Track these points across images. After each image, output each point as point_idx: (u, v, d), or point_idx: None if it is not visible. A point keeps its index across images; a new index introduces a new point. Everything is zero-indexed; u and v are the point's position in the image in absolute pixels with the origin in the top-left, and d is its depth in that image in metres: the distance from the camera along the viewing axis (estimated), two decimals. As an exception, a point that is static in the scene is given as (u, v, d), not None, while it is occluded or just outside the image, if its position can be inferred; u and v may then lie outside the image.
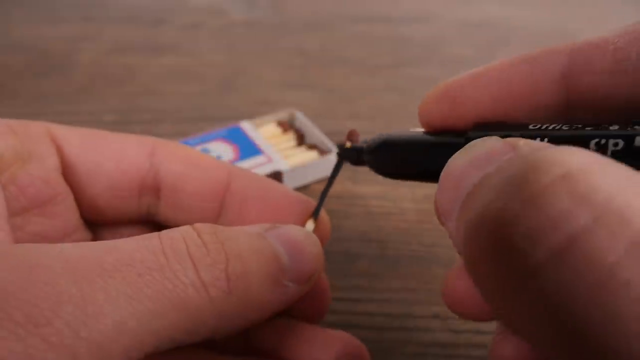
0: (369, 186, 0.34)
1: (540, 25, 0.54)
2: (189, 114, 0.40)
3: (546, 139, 0.15)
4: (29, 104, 0.42)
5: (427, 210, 0.32)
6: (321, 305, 0.21)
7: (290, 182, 0.33)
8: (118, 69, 0.46)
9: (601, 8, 0.57)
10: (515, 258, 0.11)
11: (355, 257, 0.29)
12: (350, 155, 0.21)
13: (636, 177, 0.11)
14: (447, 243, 0.30)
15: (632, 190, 0.11)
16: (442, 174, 0.15)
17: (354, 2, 0.57)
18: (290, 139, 0.36)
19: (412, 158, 0.18)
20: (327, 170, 0.32)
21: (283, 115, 0.37)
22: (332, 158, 0.34)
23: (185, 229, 0.16)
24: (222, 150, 0.34)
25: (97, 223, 0.22)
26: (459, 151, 0.15)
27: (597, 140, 0.14)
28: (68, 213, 0.20)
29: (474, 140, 0.15)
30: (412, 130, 0.19)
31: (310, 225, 0.21)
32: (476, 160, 0.14)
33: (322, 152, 0.35)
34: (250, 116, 0.37)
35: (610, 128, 0.14)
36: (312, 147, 0.35)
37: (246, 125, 0.36)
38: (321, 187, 0.22)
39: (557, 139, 0.14)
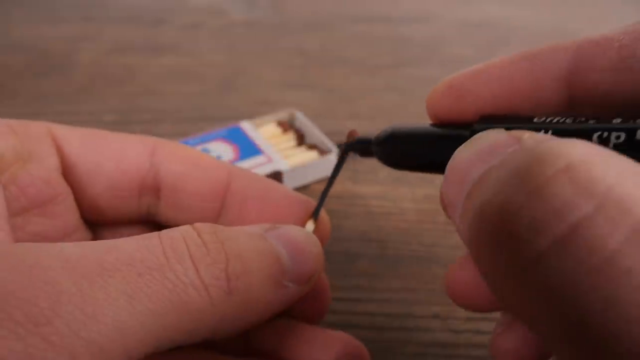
0: (369, 186, 0.34)
1: (540, 25, 0.54)
2: (189, 114, 0.40)
3: (550, 132, 0.15)
4: (29, 104, 0.42)
5: (427, 210, 0.32)
6: (321, 306, 0.21)
7: (290, 182, 0.33)
8: (118, 69, 0.46)
9: (601, 8, 0.57)
10: (520, 247, 0.11)
11: (355, 257, 0.29)
12: (358, 146, 0.21)
13: (637, 168, 0.11)
14: (447, 243, 0.30)
15: (632, 181, 0.11)
16: (448, 166, 0.15)
17: (354, 2, 0.57)
18: (290, 139, 0.36)
19: (419, 149, 0.19)
20: (327, 170, 0.32)
21: (283, 115, 0.37)
22: (332, 158, 0.34)
23: (185, 228, 0.16)
24: (222, 150, 0.34)
25: (97, 223, 0.22)
26: (464, 143, 0.15)
27: (599, 133, 0.14)
28: (68, 213, 0.20)
29: (480, 133, 0.15)
30: (420, 123, 0.20)
31: (310, 225, 0.21)
32: (481, 152, 0.14)
33: (322, 152, 0.35)
34: (250, 116, 0.37)
35: (613, 121, 0.14)
36: (312, 147, 0.35)
37: (246, 125, 0.36)
38: (321, 187, 0.22)
39: (561, 132, 0.15)
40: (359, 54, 0.49)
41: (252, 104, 0.41)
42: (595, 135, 0.14)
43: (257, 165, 0.33)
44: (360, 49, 0.50)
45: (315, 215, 0.21)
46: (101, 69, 0.46)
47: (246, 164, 0.33)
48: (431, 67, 0.47)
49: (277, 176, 0.32)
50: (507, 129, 0.14)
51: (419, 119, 0.20)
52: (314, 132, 0.36)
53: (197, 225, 0.17)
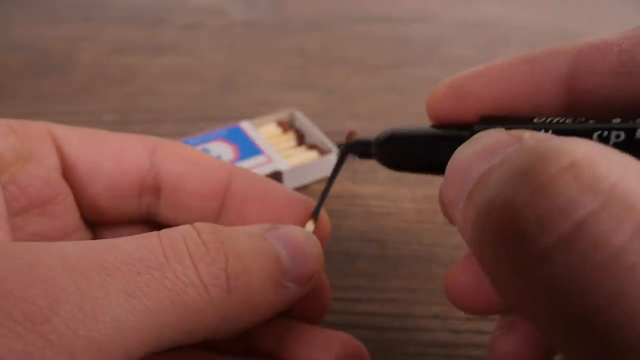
0: (368, 186, 0.34)
1: (540, 25, 0.54)
2: (189, 114, 0.40)
3: (550, 132, 0.15)
4: (29, 104, 0.42)
5: (427, 210, 0.32)
6: (321, 306, 0.21)
7: (290, 182, 0.33)
8: (118, 69, 0.46)
9: (601, 8, 0.57)
10: (525, 244, 0.12)
11: (355, 257, 0.29)
12: (357, 148, 0.21)
13: (638, 165, 0.11)
14: (447, 243, 0.30)
15: (635, 178, 0.11)
16: (448, 166, 0.15)
17: (354, 2, 0.57)
18: (290, 139, 0.36)
19: (418, 151, 0.19)
20: (327, 170, 0.32)
21: (283, 115, 0.37)
22: (332, 158, 0.34)
23: (185, 228, 0.16)
24: (222, 150, 0.34)
25: (97, 223, 0.22)
26: (464, 143, 0.15)
27: (599, 132, 0.14)
28: (68, 213, 0.20)
29: (480, 132, 0.15)
30: (420, 124, 0.20)
31: (310, 225, 0.21)
32: (482, 151, 0.14)
33: (322, 152, 0.35)
34: (250, 116, 0.37)
35: (613, 121, 0.14)
36: (312, 147, 0.35)
37: (246, 125, 0.36)
38: (321, 187, 0.22)
39: (561, 132, 0.15)
40: (359, 54, 0.49)
41: (252, 104, 0.41)
42: (595, 135, 0.14)
43: (257, 165, 0.33)
44: (360, 49, 0.50)
45: (315, 215, 0.21)
46: (101, 69, 0.46)
47: (246, 164, 0.33)
48: (431, 67, 0.47)
49: (277, 176, 0.32)
50: (508, 129, 0.14)
51: (419, 119, 0.20)
52: (314, 132, 0.36)
53: (197, 224, 0.17)
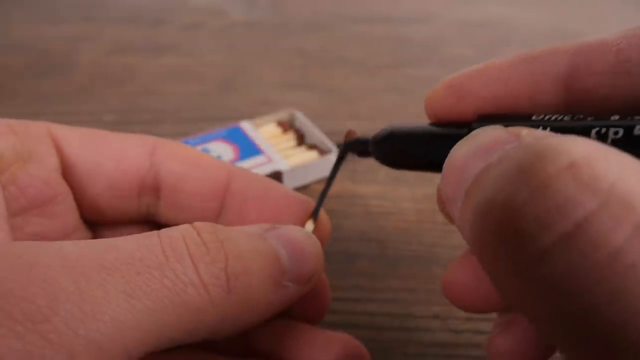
0: (368, 186, 0.34)
1: (540, 25, 0.54)
2: (189, 114, 0.40)
3: (548, 129, 0.15)
4: (29, 104, 0.42)
5: (427, 210, 0.32)
6: (321, 306, 0.21)
7: (290, 182, 0.33)
8: (118, 69, 0.46)
9: (601, 8, 0.57)
10: (524, 242, 0.12)
11: (355, 257, 0.29)
12: (356, 146, 0.21)
13: (638, 164, 0.11)
14: (447, 243, 0.30)
15: (635, 178, 0.11)
16: (446, 163, 0.15)
17: (354, 2, 0.57)
18: (290, 139, 0.36)
19: (417, 149, 0.19)
20: (327, 170, 0.32)
21: (283, 115, 0.37)
22: (332, 158, 0.34)
23: (184, 227, 0.16)
24: (222, 150, 0.34)
25: (97, 223, 0.22)
26: (462, 140, 0.15)
27: (597, 129, 0.14)
28: (68, 213, 0.20)
29: (477, 130, 0.15)
30: (418, 122, 0.20)
31: (309, 225, 0.21)
32: (479, 149, 0.14)
33: (322, 152, 0.35)
34: (250, 116, 0.37)
35: (611, 118, 0.14)
36: (312, 147, 0.35)
37: (246, 125, 0.36)
38: (321, 187, 0.22)
39: (559, 129, 0.15)
40: (359, 54, 0.49)
41: (252, 104, 0.41)
42: (594, 132, 0.14)
43: (257, 165, 0.33)
44: (360, 49, 0.50)
45: (314, 215, 0.21)
46: (101, 69, 0.46)
47: (246, 164, 0.33)
48: (431, 67, 0.47)
49: (277, 176, 0.32)
50: (506, 126, 0.14)
51: (418, 119, 0.20)
52: (314, 132, 0.36)
53: (197, 224, 0.17)
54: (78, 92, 0.43)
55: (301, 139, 0.36)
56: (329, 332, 0.19)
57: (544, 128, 0.15)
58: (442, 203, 0.16)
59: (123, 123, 0.39)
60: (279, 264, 0.17)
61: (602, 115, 0.15)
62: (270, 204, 0.21)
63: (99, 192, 0.21)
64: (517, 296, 0.12)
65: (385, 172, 0.35)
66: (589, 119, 0.15)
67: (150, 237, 0.16)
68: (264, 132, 0.36)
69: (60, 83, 0.44)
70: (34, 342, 0.12)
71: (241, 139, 0.35)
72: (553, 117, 0.15)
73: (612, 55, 0.16)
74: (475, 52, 0.49)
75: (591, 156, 0.11)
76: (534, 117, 0.16)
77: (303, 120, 0.37)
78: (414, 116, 0.40)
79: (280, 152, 0.34)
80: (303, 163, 0.33)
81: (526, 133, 0.13)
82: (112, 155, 0.21)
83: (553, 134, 0.13)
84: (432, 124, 0.19)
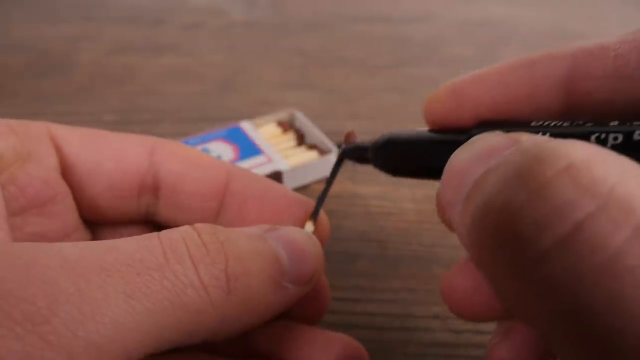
0: (369, 186, 0.34)
1: (540, 25, 0.54)
2: (189, 114, 0.40)
3: (548, 134, 0.15)
4: (29, 104, 0.42)
5: (427, 210, 0.32)
6: (320, 306, 0.21)
7: (290, 182, 0.33)
8: (118, 69, 0.46)
9: (601, 8, 0.57)
10: (523, 245, 0.12)
11: (355, 257, 0.29)
12: (354, 153, 0.21)
13: (637, 168, 0.11)
14: (447, 243, 0.30)
15: (634, 181, 0.11)
16: (446, 168, 0.15)
17: (354, 2, 0.57)
18: (290, 139, 0.36)
19: (416, 155, 0.19)
20: (327, 170, 0.32)
21: (283, 115, 0.37)
22: (332, 158, 0.34)
23: (185, 229, 0.16)
24: (222, 150, 0.34)
25: (97, 223, 0.22)
26: (462, 146, 0.15)
27: (597, 134, 0.14)
28: (67, 213, 0.20)
29: (477, 135, 0.15)
30: (417, 129, 0.20)
31: (309, 226, 0.21)
32: (479, 154, 0.14)
33: (322, 152, 0.35)
34: (250, 116, 0.37)
35: (610, 124, 0.14)
36: (312, 147, 0.35)
37: (246, 125, 0.36)
38: (321, 187, 0.22)
39: (559, 135, 0.15)
40: (359, 54, 0.49)
41: (252, 104, 0.41)
42: (593, 137, 0.14)
43: (257, 165, 0.33)
44: (360, 49, 0.50)
45: (314, 216, 0.21)
46: (101, 69, 0.46)
47: (246, 164, 0.33)
48: (431, 67, 0.47)
49: (277, 176, 0.32)
50: (505, 132, 0.14)
51: (419, 118, 0.19)
52: (314, 132, 0.36)
53: (197, 225, 0.17)
54: (78, 92, 0.43)
55: (301, 139, 0.36)
56: (329, 333, 0.19)
57: (544, 134, 0.15)
58: (442, 208, 0.16)
59: (123, 123, 0.39)
60: (279, 265, 0.17)
61: (602, 120, 0.15)
62: (270, 204, 0.21)
63: (98, 191, 0.21)
64: (516, 299, 0.12)
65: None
66: (588, 124, 0.15)
67: (150, 239, 0.16)
68: (264, 132, 0.36)
69: (60, 83, 0.44)
70: (33, 344, 0.12)
71: (241, 139, 0.35)
72: (552, 123, 0.15)
73: (611, 59, 0.16)
74: (476, 52, 0.49)
75: (590, 159, 0.11)
76: (533, 123, 0.16)
77: (303, 120, 0.37)
78: (414, 116, 0.40)
79: (280, 152, 0.34)
80: (303, 163, 0.33)
81: (525, 138, 0.13)
82: (112, 155, 0.21)
83: (552, 139, 0.13)
84: (430, 131, 0.19)
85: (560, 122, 0.15)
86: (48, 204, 0.20)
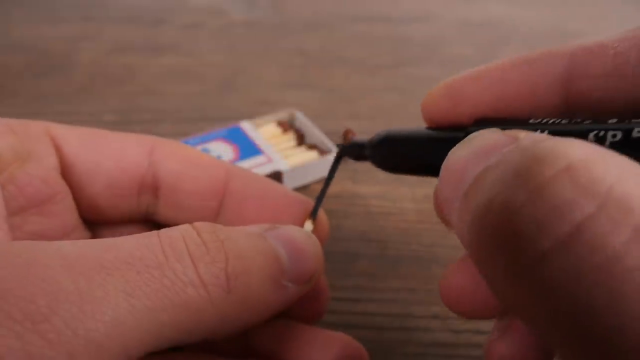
0: (368, 186, 0.34)
1: (540, 25, 0.54)
2: (189, 114, 0.40)
3: (546, 132, 0.15)
4: (29, 104, 0.42)
5: (427, 210, 0.32)
6: (320, 306, 0.21)
7: (290, 182, 0.33)
8: (118, 69, 0.46)
9: (601, 8, 0.57)
10: (522, 246, 0.12)
11: (355, 257, 0.29)
12: (352, 150, 0.21)
13: (637, 168, 0.11)
14: (447, 243, 0.30)
15: (633, 181, 0.11)
16: (443, 165, 0.15)
17: (354, 2, 0.57)
18: (290, 139, 0.36)
19: (413, 152, 0.19)
20: (327, 171, 0.32)
21: (283, 115, 0.37)
22: (332, 158, 0.34)
23: (184, 227, 0.16)
24: (222, 150, 0.34)
25: (96, 222, 0.22)
26: (459, 143, 0.15)
27: (595, 132, 0.14)
28: (67, 212, 0.20)
29: (474, 133, 0.15)
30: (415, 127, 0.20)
31: (308, 225, 0.21)
32: (477, 152, 0.14)
33: (322, 152, 0.35)
34: (250, 116, 0.37)
35: (609, 122, 0.14)
36: (312, 147, 0.35)
37: (246, 125, 0.36)
38: (321, 187, 0.22)
39: (557, 132, 0.15)
40: (359, 54, 0.49)
41: (252, 104, 0.41)
42: (592, 135, 0.14)
43: (257, 165, 0.33)
44: (360, 49, 0.50)
45: (313, 215, 0.21)
46: (101, 69, 0.46)
47: (246, 164, 0.33)
48: (431, 67, 0.47)
49: (277, 176, 0.32)
50: (503, 129, 0.14)
51: (419, 118, 0.19)
52: (314, 132, 0.36)
53: (197, 224, 0.17)
54: (78, 92, 0.43)
55: (301, 139, 0.36)
56: (328, 332, 0.19)
57: (542, 131, 0.15)
58: (439, 206, 0.16)
59: (123, 123, 0.39)
60: (279, 264, 0.17)
61: (601, 118, 0.15)
62: (269, 203, 0.21)
63: (98, 191, 0.21)
64: (515, 299, 0.12)
65: (385, 172, 0.35)
66: (586, 122, 0.15)
67: (150, 237, 0.16)
68: (264, 132, 0.36)
69: (60, 83, 0.44)
70: (33, 342, 0.12)
71: (241, 139, 0.35)
72: (551, 121, 0.15)
73: (610, 57, 0.16)
74: (475, 52, 0.49)
75: (589, 159, 0.11)
76: (531, 121, 0.16)
77: (303, 120, 0.37)
78: (414, 116, 0.40)
79: (280, 152, 0.34)
80: (303, 163, 0.33)
81: (524, 136, 0.13)
82: (111, 155, 0.21)
83: (551, 137, 0.13)
84: (428, 128, 0.19)
85: (559, 120, 0.15)
86: (47, 203, 0.19)
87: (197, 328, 0.15)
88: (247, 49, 0.49)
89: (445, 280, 0.17)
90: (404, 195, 0.33)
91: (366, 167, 0.35)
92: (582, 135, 0.14)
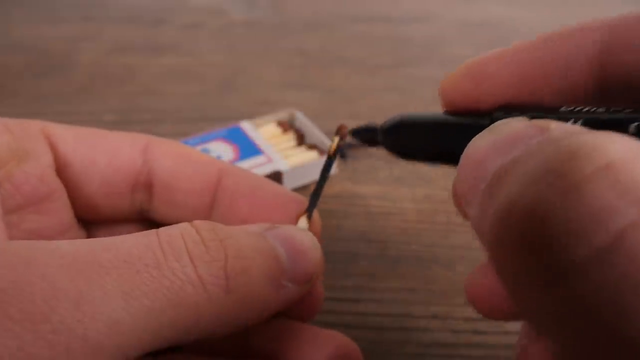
0: (369, 186, 0.34)
1: (540, 25, 0.54)
2: (189, 114, 0.40)
3: (580, 122, 0.13)
4: (29, 104, 0.41)
5: (427, 210, 0.32)
6: (313, 305, 0.20)
7: (290, 182, 0.33)
8: (118, 69, 0.46)
9: (601, 8, 0.57)
10: (552, 253, 0.10)
11: (355, 257, 0.29)
12: (364, 134, 0.20)
13: None
14: (447, 243, 0.30)
15: None
16: (463, 156, 0.14)
17: (354, 2, 0.57)
18: (290, 139, 0.36)
19: (430, 139, 0.18)
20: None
21: (283, 115, 0.37)
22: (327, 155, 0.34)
23: (183, 225, 0.16)
24: (222, 150, 0.34)
25: (91, 221, 0.22)
26: (481, 132, 0.13)
27: (637, 124, 0.12)
28: (63, 211, 0.20)
29: (499, 121, 0.13)
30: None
31: (303, 222, 0.21)
32: (501, 142, 0.13)
33: (322, 152, 0.34)
34: (250, 116, 0.37)
35: None
36: (312, 147, 0.35)
37: (246, 125, 0.36)
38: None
39: (592, 122, 0.13)
40: (359, 54, 0.49)
41: (252, 104, 0.41)
42: (633, 126, 0.12)
43: (257, 165, 0.33)
44: (360, 49, 0.49)
45: (309, 213, 0.21)
46: (101, 69, 0.46)
47: (246, 164, 0.33)
48: (431, 67, 0.47)
49: (277, 176, 0.32)
50: (531, 118, 0.13)
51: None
52: (314, 132, 0.36)
53: (196, 222, 0.17)
54: (78, 92, 0.43)
55: (301, 139, 0.36)
56: (323, 331, 0.19)
57: (575, 121, 0.13)
58: (457, 198, 0.14)
59: (123, 123, 0.39)
60: (279, 264, 0.17)
61: None
62: (262, 201, 0.21)
63: (92, 189, 0.21)
64: (538, 312, 0.11)
65: (385, 172, 0.35)
66: (626, 110, 0.13)
67: (149, 236, 0.15)
68: (264, 132, 0.36)
69: (60, 83, 0.44)
70: (31, 342, 0.12)
71: (241, 139, 0.35)
72: (585, 109, 0.14)
73: None
74: (476, 52, 0.49)
75: (631, 156, 0.10)
76: (563, 108, 0.14)
77: (303, 120, 0.37)
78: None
79: (280, 152, 0.34)
80: (303, 163, 0.33)
81: (555, 127, 0.12)
82: (105, 153, 0.21)
83: (586, 130, 0.12)
84: (446, 112, 0.18)
85: (594, 108, 0.14)
86: (44, 201, 0.19)
87: (196, 327, 0.15)
88: (247, 49, 0.49)
89: (471, 279, 0.16)
90: (404, 195, 0.33)
91: (366, 167, 0.35)
92: (622, 126, 0.13)
